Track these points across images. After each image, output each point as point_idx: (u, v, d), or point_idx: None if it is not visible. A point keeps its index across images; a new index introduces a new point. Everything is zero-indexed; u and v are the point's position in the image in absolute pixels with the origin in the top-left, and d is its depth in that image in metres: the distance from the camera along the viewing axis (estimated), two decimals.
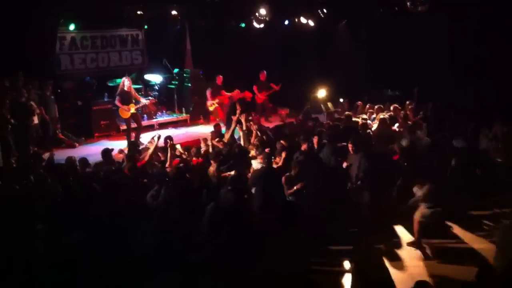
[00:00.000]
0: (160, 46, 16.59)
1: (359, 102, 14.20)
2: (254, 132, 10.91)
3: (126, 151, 10.65)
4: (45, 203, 7.30)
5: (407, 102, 13.30)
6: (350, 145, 8.95)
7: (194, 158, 9.86)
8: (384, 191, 8.71)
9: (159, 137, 9.94)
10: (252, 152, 9.71)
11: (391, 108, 12.82)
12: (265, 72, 15.84)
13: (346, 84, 16.23)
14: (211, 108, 15.08)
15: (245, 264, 6.52)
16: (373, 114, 12.84)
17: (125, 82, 12.92)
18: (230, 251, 6.65)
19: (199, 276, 6.36)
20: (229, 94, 14.73)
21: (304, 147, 9.54)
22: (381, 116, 11.92)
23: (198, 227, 7.09)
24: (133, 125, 13.29)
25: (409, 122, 11.54)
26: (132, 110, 12.95)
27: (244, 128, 10.90)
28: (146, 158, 9.41)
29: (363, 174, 8.49)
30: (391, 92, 16.18)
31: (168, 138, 10.28)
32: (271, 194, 8.00)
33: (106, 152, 9.76)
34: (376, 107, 13.12)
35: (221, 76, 15.11)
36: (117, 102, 13.02)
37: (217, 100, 14.88)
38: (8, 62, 11.80)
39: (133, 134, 13.04)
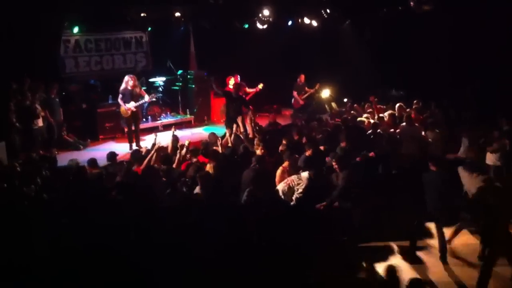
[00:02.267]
0: (164, 48, 16.60)
1: (356, 105, 14.18)
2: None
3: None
4: (52, 206, 7.33)
5: (414, 102, 13.23)
6: (334, 163, 8.63)
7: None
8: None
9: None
10: (258, 152, 9.69)
11: (396, 107, 12.78)
12: (303, 75, 15.50)
13: (350, 84, 16.21)
14: None
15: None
16: (375, 114, 12.79)
17: (129, 82, 12.77)
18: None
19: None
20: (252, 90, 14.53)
21: (308, 152, 9.48)
22: (379, 115, 11.92)
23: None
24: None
25: (416, 124, 11.40)
26: (131, 107, 12.75)
27: (241, 130, 10.95)
28: (144, 163, 9.37)
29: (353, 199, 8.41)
30: (396, 92, 16.15)
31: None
32: None
33: (112, 155, 9.76)
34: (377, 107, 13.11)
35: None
36: (119, 100, 12.87)
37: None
38: (13, 66, 11.84)
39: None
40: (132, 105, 12.73)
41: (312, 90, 15.34)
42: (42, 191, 7.80)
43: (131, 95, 12.77)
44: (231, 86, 14.15)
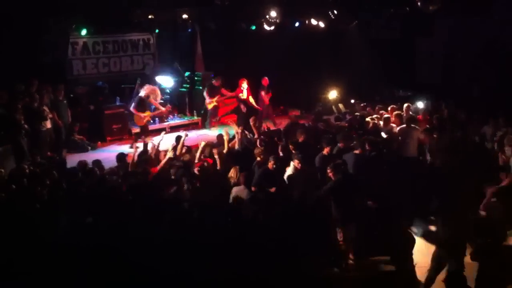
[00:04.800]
0: (171, 50, 16.68)
1: (369, 108, 14.10)
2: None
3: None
4: (61, 207, 7.35)
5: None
6: (329, 171, 8.18)
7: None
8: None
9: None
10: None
11: (404, 107, 12.71)
12: (266, 78, 15.22)
13: (357, 85, 16.17)
14: (209, 106, 15.02)
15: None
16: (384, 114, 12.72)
17: (144, 90, 13.14)
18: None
19: None
20: (231, 93, 14.82)
21: (326, 150, 9.43)
22: (385, 116, 11.84)
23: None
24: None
25: (413, 125, 11.22)
26: (147, 115, 13.20)
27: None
28: (162, 164, 9.35)
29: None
30: (403, 92, 16.09)
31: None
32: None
33: (121, 157, 9.77)
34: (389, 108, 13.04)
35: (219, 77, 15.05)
36: (132, 109, 13.14)
37: (215, 99, 14.87)
38: (21, 68, 11.92)
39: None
40: (148, 114, 13.24)
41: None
42: (51, 193, 7.83)
43: (145, 104, 13.25)
44: (242, 88, 14.36)
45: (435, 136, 10.63)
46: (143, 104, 13.21)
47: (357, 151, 9.19)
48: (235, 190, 8.51)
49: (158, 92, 13.95)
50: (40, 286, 6.18)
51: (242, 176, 8.65)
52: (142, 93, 13.26)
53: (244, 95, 14.71)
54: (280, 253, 6.56)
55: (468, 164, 9.09)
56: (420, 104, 14.08)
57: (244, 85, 14.62)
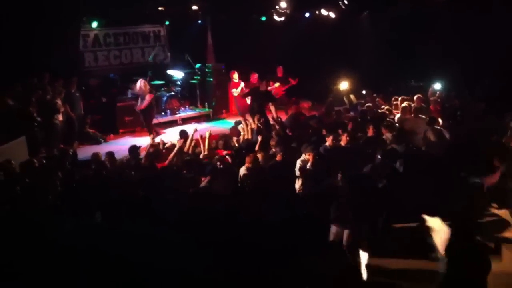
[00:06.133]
0: (182, 42, 16.68)
1: (379, 99, 14.03)
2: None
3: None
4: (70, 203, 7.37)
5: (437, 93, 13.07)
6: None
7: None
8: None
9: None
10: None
11: (415, 98, 12.64)
12: (281, 67, 15.43)
13: (369, 76, 16.08)
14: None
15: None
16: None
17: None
18: None
19: None
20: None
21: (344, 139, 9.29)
22: (403, 105, 11.79)
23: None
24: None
25: (422, 116, 11.16)
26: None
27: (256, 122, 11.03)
28: (169, 159, 9.38)
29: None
30: (415, 83, 15.97)
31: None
32: None
33: (133, 149, 9.84)
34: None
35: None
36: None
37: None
38: (33, 61, 11.98)
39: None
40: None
41: (294, 82, 15.24)
42: (61, 186, 7.85)
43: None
44: (235, 80, 14.33)
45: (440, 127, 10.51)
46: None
47: (328, 144, 9.15)
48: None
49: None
50: (42, 286, 6.19)
51: (249, 157, 8.71)
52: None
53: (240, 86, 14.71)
54: (281, 253, 6.55)
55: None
56: (438, 86, 14.00)
57: (235, 76, 14.56)
